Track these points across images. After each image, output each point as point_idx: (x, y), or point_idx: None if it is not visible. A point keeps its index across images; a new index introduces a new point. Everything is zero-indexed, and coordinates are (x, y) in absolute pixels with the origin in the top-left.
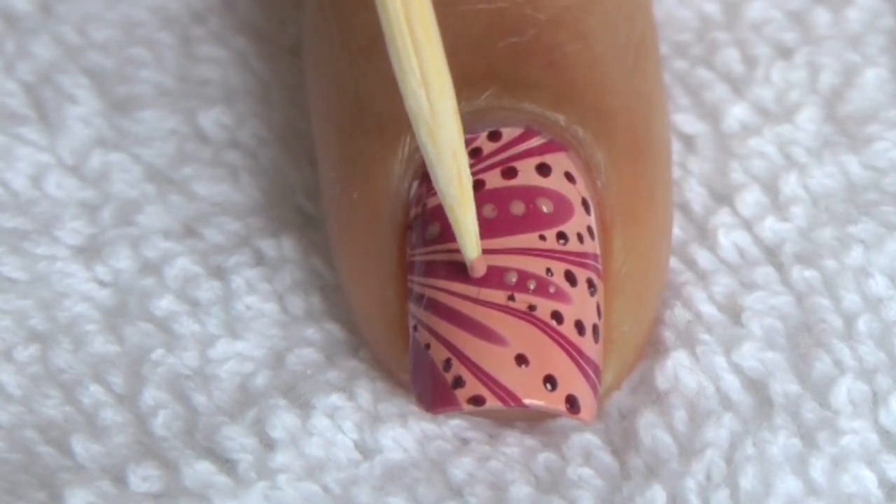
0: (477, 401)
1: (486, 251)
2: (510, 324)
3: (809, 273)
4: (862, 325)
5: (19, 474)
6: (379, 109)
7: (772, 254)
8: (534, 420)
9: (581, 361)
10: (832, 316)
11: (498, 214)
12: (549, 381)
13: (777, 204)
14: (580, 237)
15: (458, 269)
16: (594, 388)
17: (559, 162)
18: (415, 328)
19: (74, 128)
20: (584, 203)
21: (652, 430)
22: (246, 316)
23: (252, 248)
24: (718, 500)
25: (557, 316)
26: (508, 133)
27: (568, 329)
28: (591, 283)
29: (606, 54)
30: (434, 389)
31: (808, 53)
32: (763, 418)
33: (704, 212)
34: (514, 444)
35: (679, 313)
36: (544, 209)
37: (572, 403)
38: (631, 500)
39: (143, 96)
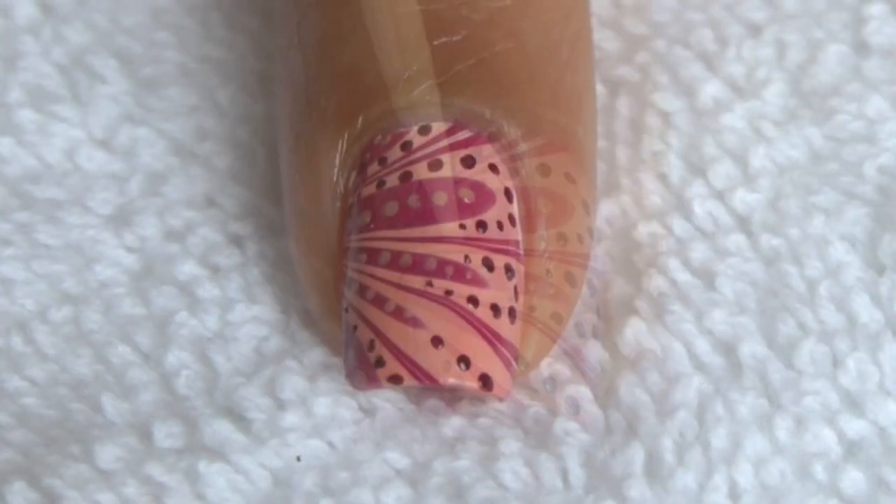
0: (395, 379)
1: (408, 240)
2: (426, 307)
3: (776, 241)
4: (823, 289)
5: (54, 429)
6: (324, 104)
7: (743, 222)
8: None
9: (495, 342)
10: (796, 281)
11: (422, 205)
12: (463, 360)
13: (747, 175)
14: (500, 225)
15: (384, 256)
16: (508, 366)
17: (484, 154)
18: (346, 310)
19: (104, 105)
20: (507, 192)
21: (631, 388)
22: (261, 281)
23: (266, 216)
24: (692, 457)
25: (473, 300)
26: (437, 127)
27: (483, 312)
28: (508, 268)
29: (538, 52)
30: (359, 368)
31: (777, 31)
32: (733, 379)
33: (681, 183)
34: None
35: (654, 279)
36: (465, 199)
37: (485, 381)
38: (612, 457)
39: (167, 76)
